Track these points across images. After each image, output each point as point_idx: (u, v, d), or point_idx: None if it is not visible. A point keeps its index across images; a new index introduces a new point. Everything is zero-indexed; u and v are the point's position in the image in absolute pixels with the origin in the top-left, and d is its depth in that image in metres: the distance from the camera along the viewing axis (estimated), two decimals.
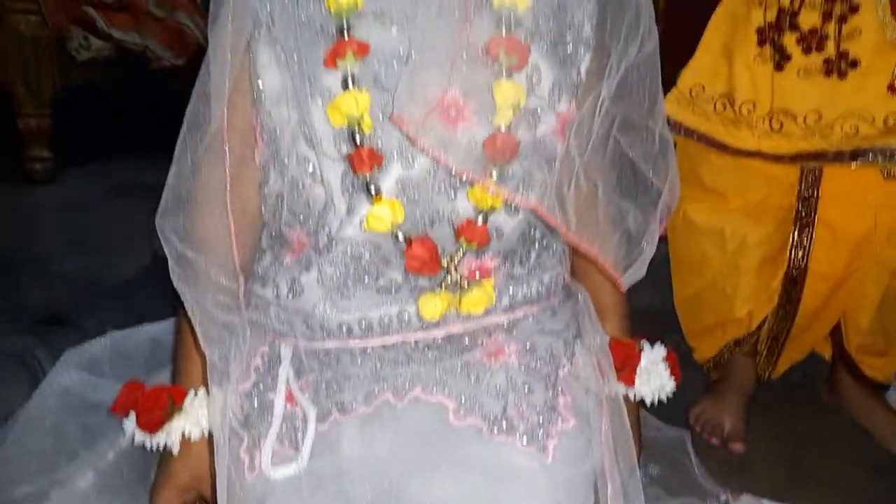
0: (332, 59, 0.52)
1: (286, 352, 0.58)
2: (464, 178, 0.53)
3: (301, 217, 0.57)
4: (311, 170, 0.56)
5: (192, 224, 0.56)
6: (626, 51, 0.55)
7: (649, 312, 1.01)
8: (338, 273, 0.56)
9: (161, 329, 0.78)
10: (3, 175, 1.91)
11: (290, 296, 0.57)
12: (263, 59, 0.55)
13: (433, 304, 0.55)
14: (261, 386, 0.57)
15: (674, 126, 0.99)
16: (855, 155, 0.86)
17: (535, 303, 0.60)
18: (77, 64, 1.97)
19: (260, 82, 0.56)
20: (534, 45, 0.54)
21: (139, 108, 2.76)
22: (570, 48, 0.57)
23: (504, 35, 0.53)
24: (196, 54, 2.34)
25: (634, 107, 0.57)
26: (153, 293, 1.17)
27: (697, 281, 1.06)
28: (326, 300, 0.56)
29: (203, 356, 0.55)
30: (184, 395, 0.58)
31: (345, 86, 0.52)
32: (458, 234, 0.55)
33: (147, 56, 2.17)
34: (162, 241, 0.55)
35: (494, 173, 0.53)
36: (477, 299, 0.55)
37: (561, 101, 0.56)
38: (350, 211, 0.55)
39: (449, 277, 0.55)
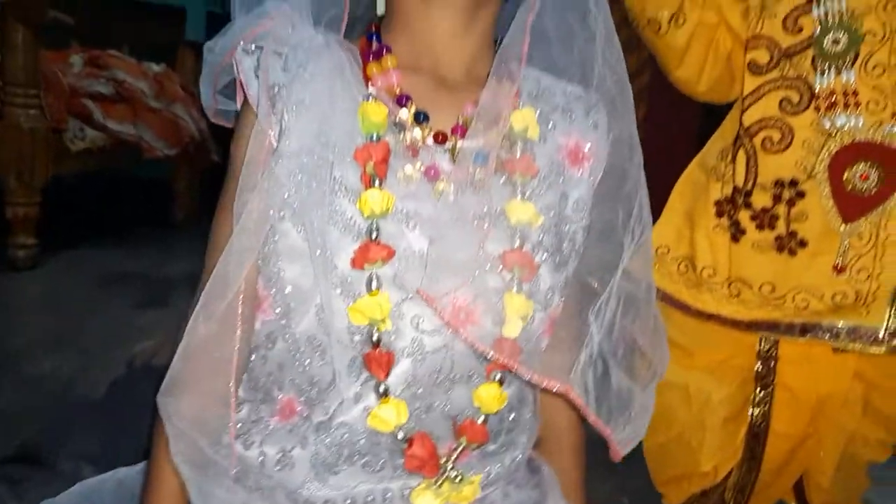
0: (361, 262, 0.57)
1: None
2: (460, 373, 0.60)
3: (299, 388, 0.61)
4: (320, 350, 0.59)
5: (194, 401, 0.59)
6: (633, 239, 0.65)
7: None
8: (332, 454, 0.60)
9: (130, 473, 0.85)
10: None
11: (278, 467, 0.61)
12: (285, 240, 0.58)
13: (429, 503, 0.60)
14: None
15: None
16: (805, 330, 0.96)
17: (504, 478, 0.67)
18: (70, 153, 2.10)
19: (280, 262, 0.59)
20: (537, 255, 0.62)
21: (128, 195, 2.89)
22: (564, 256, 0.65)
23: (518, 248, 0.61)
24: (188, 145, 2.50)
25: (636, 287, 0.66)
26: (125, 414, 1.24)
27: (665, 432, 1.14)
28: (316, 478, 0.61)
29: None
30: None
31: (368, 287, 0.57)
32: (459, 432, 0.61)
33: (141, 146, 2.31)
34: (163, 419, 0.58)
35: (499, 375, 0.61)
36: (466, 495, 0.62)
37: (553, 303, 0.64)
38: (356, 399, 0.59)
39: (444, 474, 0.61)
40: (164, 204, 2.77)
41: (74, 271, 2.11)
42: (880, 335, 0.92)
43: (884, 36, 0.92)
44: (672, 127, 1.36)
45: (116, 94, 2.24)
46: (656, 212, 1.12)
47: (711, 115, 1.16)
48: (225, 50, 0.62)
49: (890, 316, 0.92)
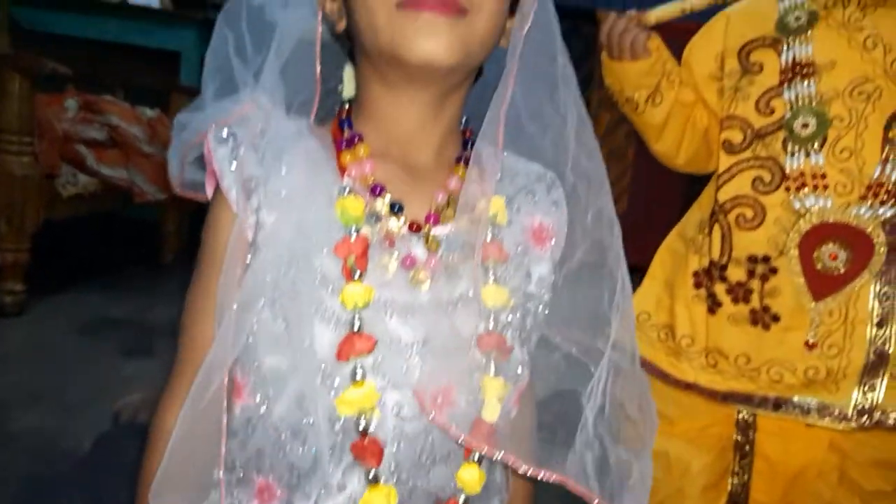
0: (346, 355, 0.59)
1: None
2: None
3: (279, 473, 0.62)
4: (301, 437, 0.61)
5: (186, 497, 0.61)
6: (619, 309, 0.67)
7: None
8: None
9: None
10: None
11: None
12: (264, 329, 0.60)
13: None
14: None
15: None
16: (777, 405, 1.01)
17: None
18: (62, 199, 2.15)
19: (259, 350, 0.61)
20: (507, 335, 0.65)
21: (117, 236, 2.94)
22: (528, 331, 0.68)
23: (491, 330, 0.63)
24: None
25: (621, 355, 0.68)
26: (109, 473, 1.27)
27: (649, 499, 1.17)
28: None
29: None
30: None
31: (352, 377, 0.59)
32: None
33: (132, 191, 2.36)
34: None
35: (478, 455, 0.64)
36: None
37: (523, 377, 0.67)
38: (339, 487, 0.61)
39: None
40: (153, 244, 2.81)
41: (61, 317, 2.15)
42: (849, 413, 0.96)
43: (850, 121, 0.98)
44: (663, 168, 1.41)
45: (110, 140, 2.30)
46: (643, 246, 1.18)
47: None
48: (197, 132, 0.64)
49: (858, 394, 0.96)
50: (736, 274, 1.04)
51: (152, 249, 2.78)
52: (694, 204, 1.16)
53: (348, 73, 0.74)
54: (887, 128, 0.96)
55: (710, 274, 1.07)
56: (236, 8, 0.67)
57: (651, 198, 1.28)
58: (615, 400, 0.68)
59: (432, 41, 0.60)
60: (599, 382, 0.67)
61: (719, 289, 1.06)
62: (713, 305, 1.06)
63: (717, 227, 1.06)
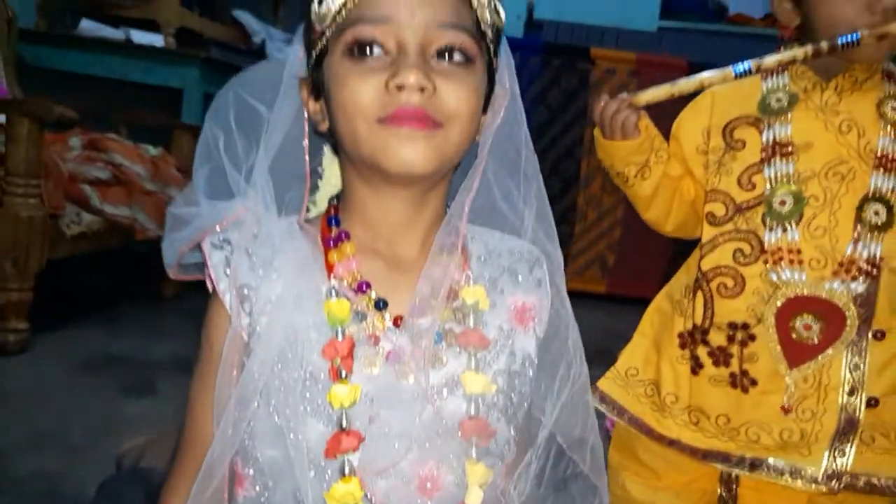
0: (333, 453, 0.64)
1: None
2: None
3: None
4: None
5: None
6: (560, 397, 0.73)
7: None
8: None
9: None
10: None
11: None
12: (260, 425, 0.65)
13: None
14: None
15: (610, 404, 1.22)
16: (753, 466, 1.08)
17: None
18: (66, 238, 2.22)
19: (257, 444, 0.66)
20: (492, 417, 0.69)
21: (117, 271, 3.01)
22: (515, 406, 0.72)
23: (475, 414, 0.68)
24: None
25: (569, 431, 0.73)
26: None
27: None
28: None
29: None
30: None
31: (341, 472, 0.64)
32: None
33: (134, 228, 2.44)
34: None
35: None
36: None
37: (511, 452, 0.72)
38: None
39: None
40: (154, 279, 2.88)
41: (63, 354, 2.20)
42: (819, 477, 1.03)
43: (825, 200, 1.06)
44: None
45: (114, 178, 2.38)
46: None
47: None
48: (198, 230, 0.69)
49: (829, 458, 1.03)
50: (717, 338, 1.12)
51: (153, 284, 2.84)
52: (681, 268, 1.24)
53: (335, 168, 0.79)
54: (859, 208, 1.04)
55: (693, 337, 1.15)
56: (224, 105, 0.72)
57: (643, 230, 1.35)
58: (555, 483, 0.73)
59: (411, 152, 0.66)
60: (529, 469, 0.72)
61: (701, 351, 1.13)
62: (696, 367, 1.14)
63: (700, 294, 1.14)
